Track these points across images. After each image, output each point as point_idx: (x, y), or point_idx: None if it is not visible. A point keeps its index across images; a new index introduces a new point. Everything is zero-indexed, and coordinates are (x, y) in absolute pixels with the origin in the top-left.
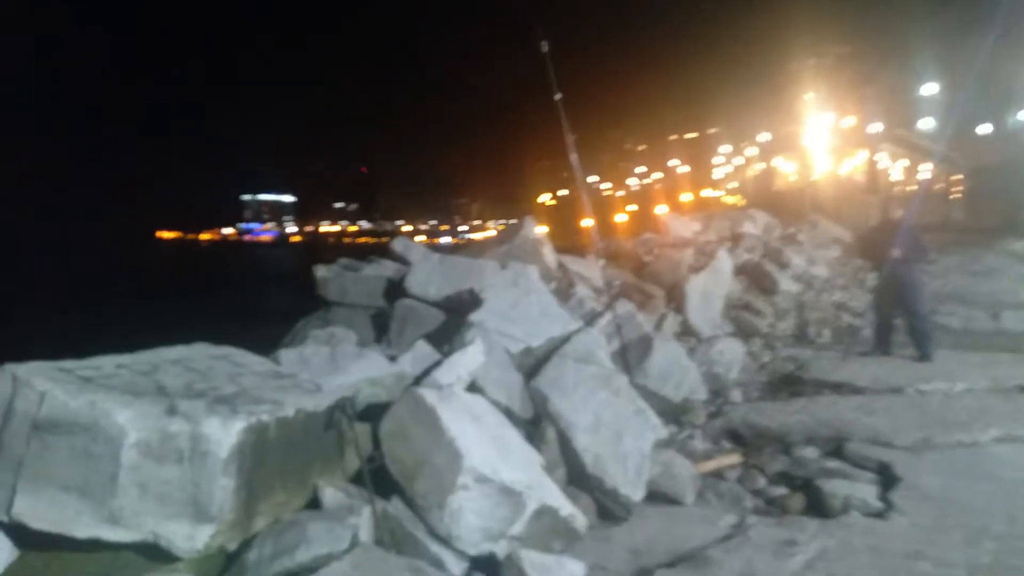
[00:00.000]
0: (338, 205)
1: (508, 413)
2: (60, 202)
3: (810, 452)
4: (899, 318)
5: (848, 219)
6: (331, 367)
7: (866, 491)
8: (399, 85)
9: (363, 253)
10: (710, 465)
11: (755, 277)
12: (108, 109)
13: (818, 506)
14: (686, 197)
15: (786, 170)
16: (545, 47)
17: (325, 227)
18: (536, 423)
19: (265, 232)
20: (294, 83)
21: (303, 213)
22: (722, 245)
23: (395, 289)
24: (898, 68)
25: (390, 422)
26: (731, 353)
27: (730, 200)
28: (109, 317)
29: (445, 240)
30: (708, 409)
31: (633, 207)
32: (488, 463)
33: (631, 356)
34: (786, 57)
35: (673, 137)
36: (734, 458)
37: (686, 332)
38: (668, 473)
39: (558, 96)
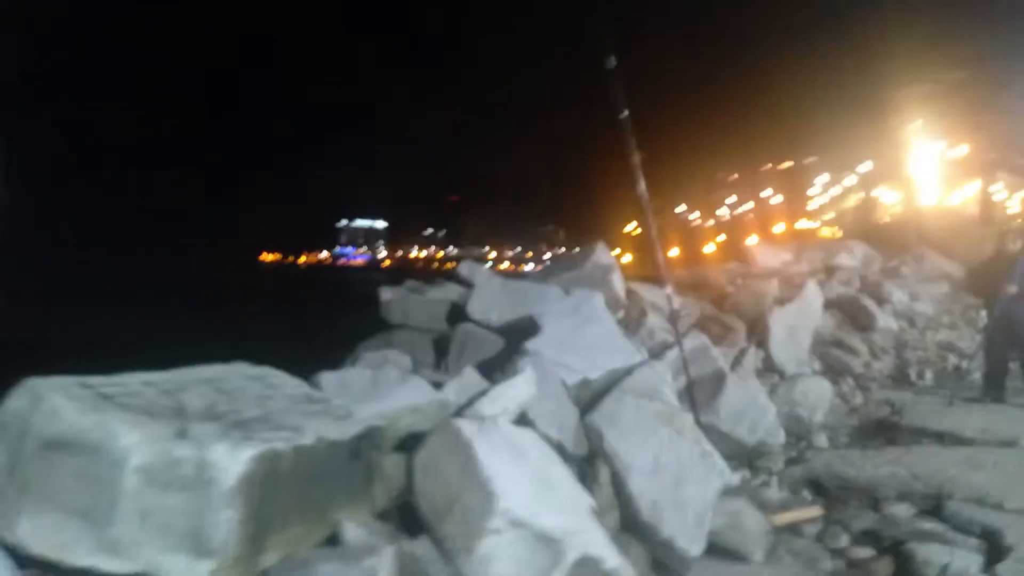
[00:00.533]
0: (427, 231)
1: (560, 449)
2: (175, 224)
3: (903, 510)
4: (1014, 361)
5: (959, 253)
6: (371, 392)
7: (968, 559)
8: (487, 115)
9: (447, 278)
10: (785, 518)
11: (850, 312)
12: (217, 141)
13: (909, 573)
14: (779, 228)
15: (889, 201)
16: (612, 63)
17: (414, 252)
18: (590, 461)
19: (358, 256)
20: (390, 114)
21: (394, 239)
22: (813, 276)
23: (458, 313)
24: (1019, 94)
25: (424, 454)
26: (817, 393)
27: (826, 232)
28: (186, 332)
29: (530, 267)
30: (787, 454)
31: (722, 237)
32: (527, 505)
33: (701, 393)
34: (892, 82)
35: (767, 166)
36: (814, 511)
37: (768, 369)
38: (735, 525)
39: (624, 114)
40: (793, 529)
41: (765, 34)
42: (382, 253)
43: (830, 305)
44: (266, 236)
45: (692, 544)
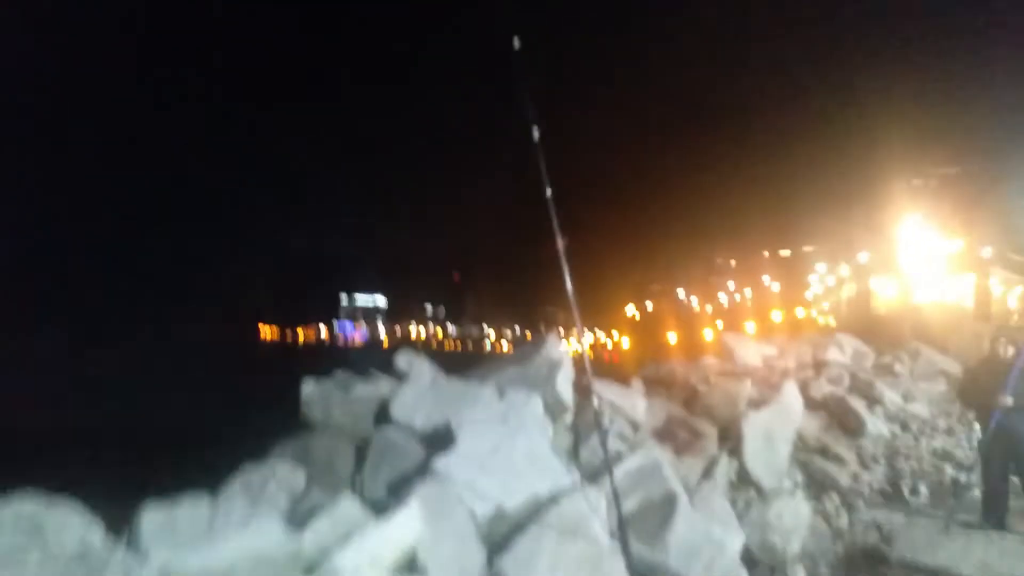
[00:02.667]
0: (428, 308)
1: None
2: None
3: None
4: (1015, 477)
5: (956, 349)
6: (205, 535)
7: None
8: (491, 194)
9: (446, 358)
10: None
11: (837, 414)
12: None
13: None
14: (776, 315)
15: (884, 293)
16: (536, 135)
17: (414, 331)
18: None
19: (357, 332)
20: (392, 192)
21: (394, 315)
22: (793, 375)
23: (386, 413)
24: (1013, 189)
25: None
26: (794, 516)
27: (824, 320)
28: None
29: None
30: None
31: (722, 323)
32: None
33: (648, 522)
34: (886, 176)
35: (765, 253)
36: None
37: (743, 481)
38: None
39: (548, 194)
40: None
41: (764, 124)
42: (381, 331)
43: (816, 406)
44: (266, 306)
45: None
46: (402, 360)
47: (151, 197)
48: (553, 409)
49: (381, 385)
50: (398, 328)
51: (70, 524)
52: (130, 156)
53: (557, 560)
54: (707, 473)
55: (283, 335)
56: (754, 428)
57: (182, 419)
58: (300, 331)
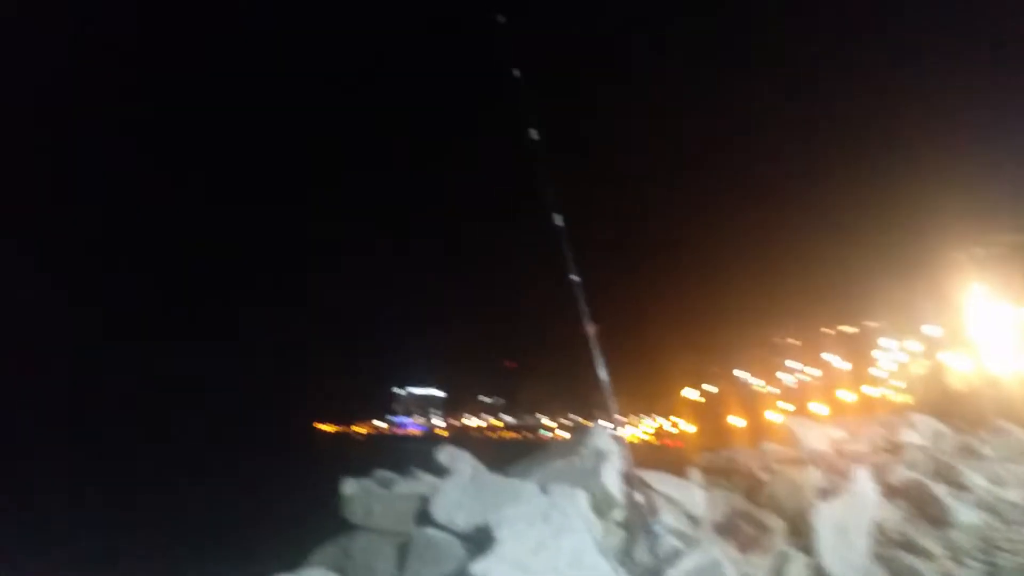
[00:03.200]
0: (483, 399)
1: None
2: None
3: None
4: None
5: None
6: None
7: None
8: (544, 283)
9: (503, 448)
10: None
11: (919, 503)
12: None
13: None
14: (845, 395)
15: (959, 367)
16: (559, 221)
17: (470, 421)
18: None
19: (414, 426)
20: (445, 284)
21: (450, 407)
22: (865, 460)
23: (427, 512)
24: None
25: None
26: None
27: (895, 399)
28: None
29: None
30: None
31: (787, 405)
32: None
33: None
34: (950, 244)
35: (828, 330)
36: None
37: None
38: None
39: (576, 278)
40: None
41: (821, 197)
42: (438, 423)
43: (894, 494)
44: (321, 406)
45: None
46: (444, 455)
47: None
48: (601, 504)
49: (423, 482)
50: (454, 419)
51: None
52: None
53: None
54: (777, 572)
55: (340, 430)
56: (826, 521)
57: (223, 518)
58: (357, 427)
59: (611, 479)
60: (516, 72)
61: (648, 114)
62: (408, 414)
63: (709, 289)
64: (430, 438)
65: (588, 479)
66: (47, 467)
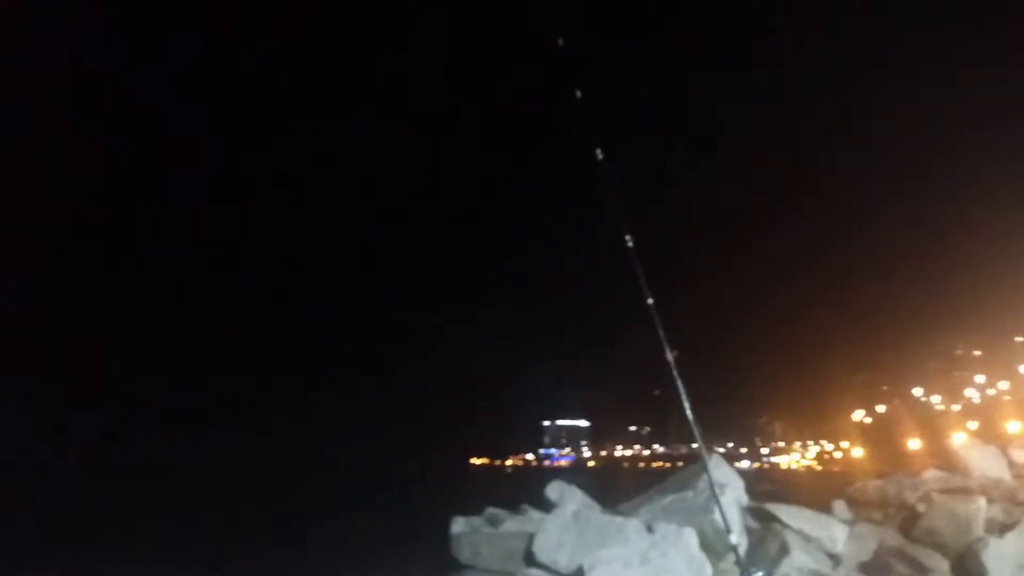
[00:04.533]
0: (632, 428)
1: None
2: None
3: None
4: None
5: None
6: None
7: None
8: (690, 305)
9: (657, 477)
10: None
11: None
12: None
13: None
14: None
15: None
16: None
17: (619, 451)
18: None
19: (563, 457)
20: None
21: (598, 437)
22: None
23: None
24: None
25: None
26: None
27: None
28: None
29: (745, 464)
30: None
31: (972, 424)
32: None
33: None
34: None
35: (1020, 339)
36: None
37: None
38: None
39: (651, 301)
40: None
41: (1006, 179)
42: (586, 453)
43: None
44: (471, 441)
45: None
46: (553, 490)
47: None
48: (713, 543)
49: (532, 520)
50: (603, 450)
51: None
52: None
53: None
54: None
55: (492, 463)
56: (999, 558)
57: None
58: (509, 461)
59: (728, 514)
60: (578, 93)
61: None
62: (557, 445)
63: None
64: (578, 469)
65: (699, 515)
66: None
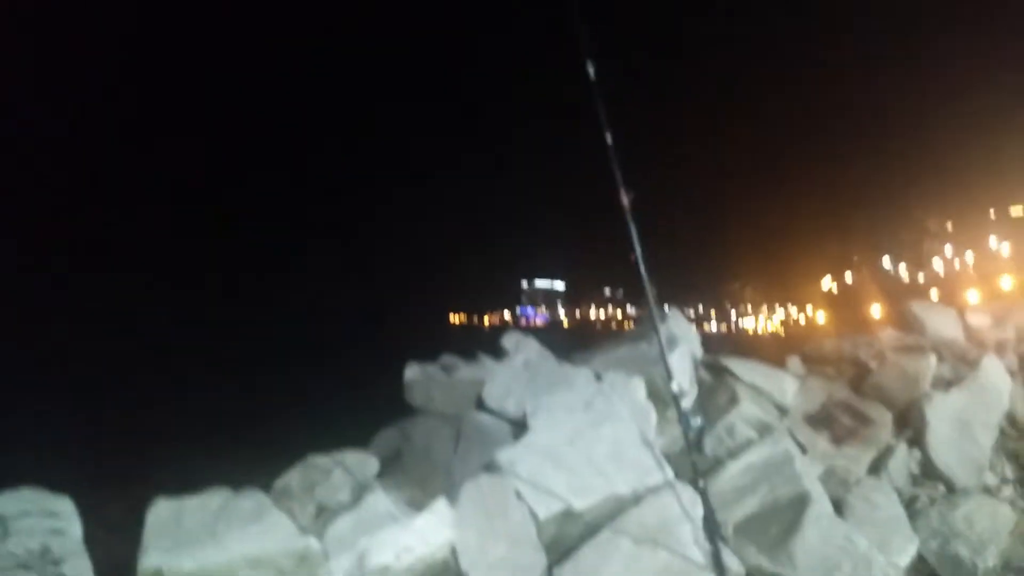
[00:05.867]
0: (607, 291)
1: None
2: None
3: None
4: None
5: None
6: (206, 532)
7: None
8: (672, 172)
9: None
10: None
11: None
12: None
13: None
14: (1006, 282)
15: None
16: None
17: (593, 312)
18: None
19: (539, 316)
20: (567, 179)
21: (574, 299)
22: (1006, 349)
23: None
24: None
25: None
26: (990, 521)
27: None
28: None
29: (714, 328)
30: None
31: (936, 293)
32: None
33: (774, 527)
34: None
35: (991, 212)
36: None
37: (929, 477)
38: None
39: (610, 139)
40: None
41: (981, 47)
42: (561, 314)
43: None
44: (452, 296)
45: None
46: (509, 340)
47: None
48: (662, 393)
49: (486, 367)
50: (577, 311)
51: (35, 530)
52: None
53: (628, 573)
54: (876, 466)
55: (470, 320)
56: (941, 412)
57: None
58: (487, 317)
59: (678, 366)
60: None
61: None
62: (533, 305)
63: (855, 170)
64: (553, 329)
65: (650, 366)
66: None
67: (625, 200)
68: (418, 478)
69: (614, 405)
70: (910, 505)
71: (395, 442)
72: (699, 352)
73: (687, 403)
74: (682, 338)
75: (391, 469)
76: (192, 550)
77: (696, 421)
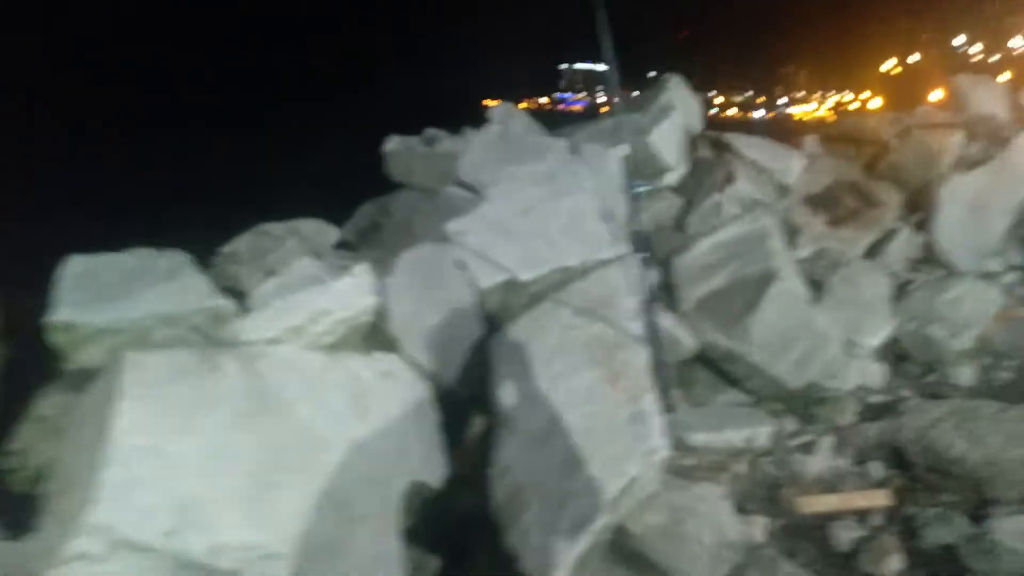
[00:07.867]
0: (651, 74)
1: (436, 386)
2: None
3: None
4: None
5: None
6: (118, 290)
7: None
8: None
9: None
10: (815, 504)
11: None
12: None
13: None
14: None
15: None
16: None
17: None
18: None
19: (577, 102)
20: None
21: (616, 83)
22: None
23: None
24: None
25: (80, 402)
26: (974, 305)
27: None
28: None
29: (758, 114)
30: (871, 400)
31: (1007, 75)
32: (183, 511)
33: (736, 303)
34: None
35: None
36: (874, 498)
37: (930, 261)
38: (669, 534)
39: None
40: (835, 517)
41: None
42: (601, 98)
43: None
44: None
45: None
46: (496, 112)
47: None
48: (645, 166)
49: (467, 141)
50: (619, 97)
51: None
52: None
53: (561, 343)
54: (874, 249)
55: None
56: (957, 193)
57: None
58: (524, 104)
59: (665, 138)
60: None
61: None
62: (572, 90)
63: None
64: (591, 114)
65: (636, 137)
66: None
67: None
68: (395, 251)
69: (579, 178)
70: (902, 289)
71: (375, 216)
72: (697, 125)
73: (672, 178)
74: (678, 109)
75: (370, 241)
76: (105, 305)
77: (639, 187)
